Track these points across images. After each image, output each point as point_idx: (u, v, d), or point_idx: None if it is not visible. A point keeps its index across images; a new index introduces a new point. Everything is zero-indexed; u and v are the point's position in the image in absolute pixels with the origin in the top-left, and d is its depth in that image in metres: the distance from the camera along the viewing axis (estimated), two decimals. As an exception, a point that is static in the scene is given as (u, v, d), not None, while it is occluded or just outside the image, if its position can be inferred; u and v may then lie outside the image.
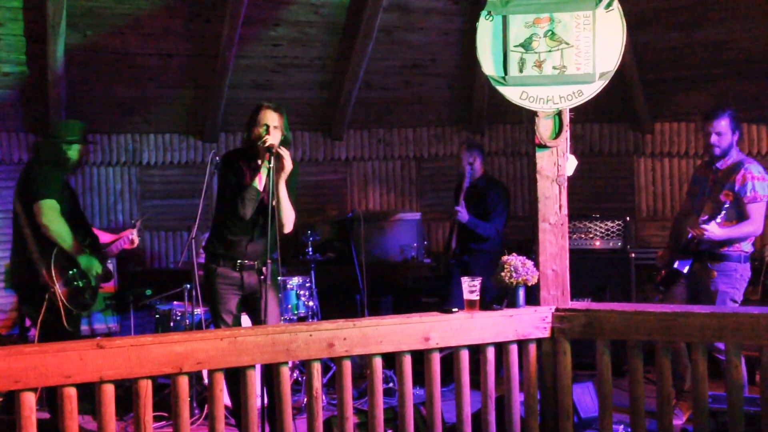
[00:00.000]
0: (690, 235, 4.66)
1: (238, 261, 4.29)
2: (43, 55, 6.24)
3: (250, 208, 4.18)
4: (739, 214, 4.57)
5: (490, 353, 3.82)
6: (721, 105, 4.74)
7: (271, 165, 4.07)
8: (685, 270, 4.76)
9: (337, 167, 7.70)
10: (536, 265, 3.90)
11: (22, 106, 6.67)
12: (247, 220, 4.23)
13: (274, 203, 4.04)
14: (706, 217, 4.46)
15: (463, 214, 5.82)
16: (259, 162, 4.19)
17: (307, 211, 7.29)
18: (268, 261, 4.13)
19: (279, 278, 4.78)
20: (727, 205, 4.49)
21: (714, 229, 4.42)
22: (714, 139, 4.65)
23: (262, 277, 4.14)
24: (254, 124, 4.22)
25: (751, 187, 4.53)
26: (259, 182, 4.23)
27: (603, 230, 6.37)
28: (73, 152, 4.68)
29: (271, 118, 4.21)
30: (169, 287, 5.78)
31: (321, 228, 7.06)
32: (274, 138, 4.16)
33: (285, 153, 4.15)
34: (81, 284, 4.56)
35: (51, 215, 4.42)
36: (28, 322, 5.66)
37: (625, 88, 6.96)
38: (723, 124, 4.63)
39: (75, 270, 4.53)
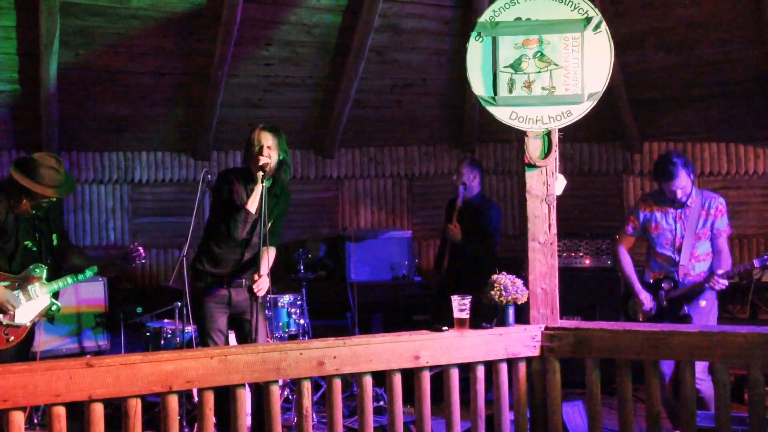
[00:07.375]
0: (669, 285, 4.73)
1: (226, 279, 4.31)
2: (35, 74, 6.26)
3: (243, 230, 4.21)
4: (711, 246, 4.69)
5: (480, 372, 3.82)
6: (670, 160, 4.59)
7: (264, 184, 4.10)
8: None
9: (328, 185, 7.73)
10: (526, 283, 3.92)
11: (14, 124, 6.68)
12: (238, 240, 4.26)
13: (268, 225, 4.05)
14: (722, 272, 4.55)
15: (456, 233, 5.79)
16: (255, 181, 4.21)
17: (298, 229, 7.32)
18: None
19: (269, 296, 4.78)
20: (703, 241, 4.66)
21: (725, 282, 4.56)
22: (680, 194, 4.65)
23: (254, 296, 4.15)
24: (250, 145, 4.26)
25: (726, 222, 4.68)
26: (253, 203, 4.23)
27: (592, 249, 6.40)
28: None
29: (265, 138, 4.23)
30: (159, 305, 5.77)
31: (312, 246, 7.07)
32: (267, 158, 4.19)
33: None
34: None
35: None
36: None
37: (613, 108, 7.02)
38: (683, 176, 4.60)
39: None
